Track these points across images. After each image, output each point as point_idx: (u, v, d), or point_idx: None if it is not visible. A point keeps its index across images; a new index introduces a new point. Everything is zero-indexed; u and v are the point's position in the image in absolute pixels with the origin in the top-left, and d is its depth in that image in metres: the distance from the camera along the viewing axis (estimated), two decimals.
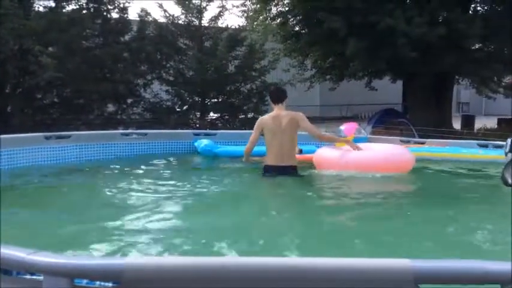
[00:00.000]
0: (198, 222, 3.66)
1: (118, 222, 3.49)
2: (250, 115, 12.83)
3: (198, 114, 13.29)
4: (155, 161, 6.28)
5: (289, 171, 5.10)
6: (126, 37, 12.35)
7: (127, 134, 7.01)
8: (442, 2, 11.27)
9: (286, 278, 1.44)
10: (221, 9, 13.32)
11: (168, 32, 12.94)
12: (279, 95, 5.31)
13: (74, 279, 1.48)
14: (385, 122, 12.14)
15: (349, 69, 12.96)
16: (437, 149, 6.73)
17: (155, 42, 12.45)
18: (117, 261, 1.51)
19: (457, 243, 3.14)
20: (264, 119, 5.29)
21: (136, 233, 3.25)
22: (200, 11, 13.08)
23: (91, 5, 11.78)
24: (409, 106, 14.90)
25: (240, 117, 13.16)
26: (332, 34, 11.43)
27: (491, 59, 12.05)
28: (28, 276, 1.55)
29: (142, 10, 12.72)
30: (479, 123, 16.04)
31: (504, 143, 4.82)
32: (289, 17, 13.87)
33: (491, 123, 15.91)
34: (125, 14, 12.26)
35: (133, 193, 4.59)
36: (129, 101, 12.46)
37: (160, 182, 5.09)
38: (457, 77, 14.45)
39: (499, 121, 15.91)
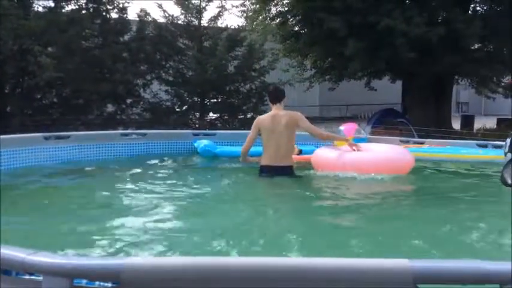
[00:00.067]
0: (197, 222, 3.67)
1: (117, 223, 3.48)
2: (249, 115, 12.80)
3: (197, 114, 13.28)
4: (154, 161, 6.27)
5: (286, 171, 5.05)
6: (126, 37, 12.37)
7: (126, 134, 6.99)
8: (441, 2, 11.27)
9: (286, 278, 1.44)
10: (220, 9, 13.36)
11: (168, 32, 12.94)
12: (277, 95, 5.25)
13: (73, 280, 1.48)
14: (385, 122, 12.13)
15: (348, 70, 12.95)
16: (436, 149, 6.73)
17: (154, 42, 12.47)
18: (116, 261, 1.51)
19: (457, 243, 3.14)
20: (262, 118, 5.23)
21: (136, 233, 3.24)
22: (199, 11, 13.08)
23: (90, 5, 11.80)
24: (408, 106, 14.90)
25: (239, 117, 13.16)
26: (331, 34, 11.43)
27: (491, 59, 12.04)
28: (27, 277, 1.56)
29: (142, 10, 12.76)
30: (478, 123, 16.03)
31: (503, 143, 4.82)
32: (289, 17, 13.85)
33: (491, 123, 15.90)
34: (124, 14, 12.28)
35: (132, 193, 4.58)
36: (129, 101, 12.47)
37: (159, 182, 5.08)
38: (456, 77, 14.43)
39: (499, 121, 15.90)
